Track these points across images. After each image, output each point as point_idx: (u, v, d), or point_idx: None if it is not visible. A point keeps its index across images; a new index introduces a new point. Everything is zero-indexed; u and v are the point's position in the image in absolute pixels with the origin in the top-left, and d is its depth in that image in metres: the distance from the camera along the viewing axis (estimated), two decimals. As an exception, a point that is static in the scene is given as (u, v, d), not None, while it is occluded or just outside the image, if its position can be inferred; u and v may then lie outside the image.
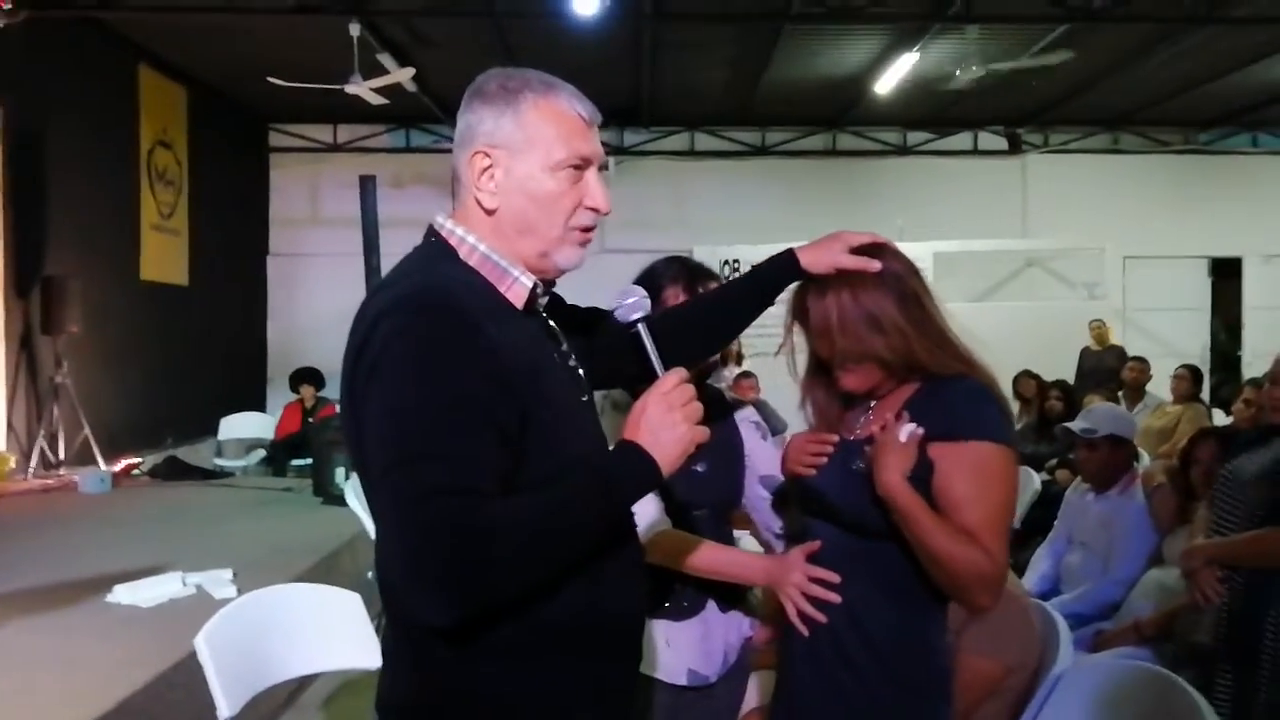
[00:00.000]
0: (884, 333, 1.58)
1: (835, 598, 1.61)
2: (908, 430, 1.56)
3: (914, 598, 1.58)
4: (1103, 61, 9.17)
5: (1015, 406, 7.82)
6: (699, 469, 1.86)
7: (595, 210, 1.40)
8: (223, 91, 10.15)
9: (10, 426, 6.89)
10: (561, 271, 1.42)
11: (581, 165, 1.38)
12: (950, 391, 1.59)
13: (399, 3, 7.66)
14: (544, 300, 1.43)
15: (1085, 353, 9.41)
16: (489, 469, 1.22)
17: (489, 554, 1.17)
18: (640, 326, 1.41)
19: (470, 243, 1.37)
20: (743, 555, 1.88)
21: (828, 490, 1.65)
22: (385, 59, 8.16)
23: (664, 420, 1.31)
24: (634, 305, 1.41)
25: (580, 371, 1.46)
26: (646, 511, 1.88)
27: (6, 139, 6.82)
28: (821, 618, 1.62)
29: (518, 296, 1.37)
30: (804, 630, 1.64)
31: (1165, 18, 7.91)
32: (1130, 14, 7.73)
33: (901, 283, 1.61)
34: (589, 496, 1.27)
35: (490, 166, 1.36)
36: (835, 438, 1.67)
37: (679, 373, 1.36)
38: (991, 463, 1.54)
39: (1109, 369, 8.71)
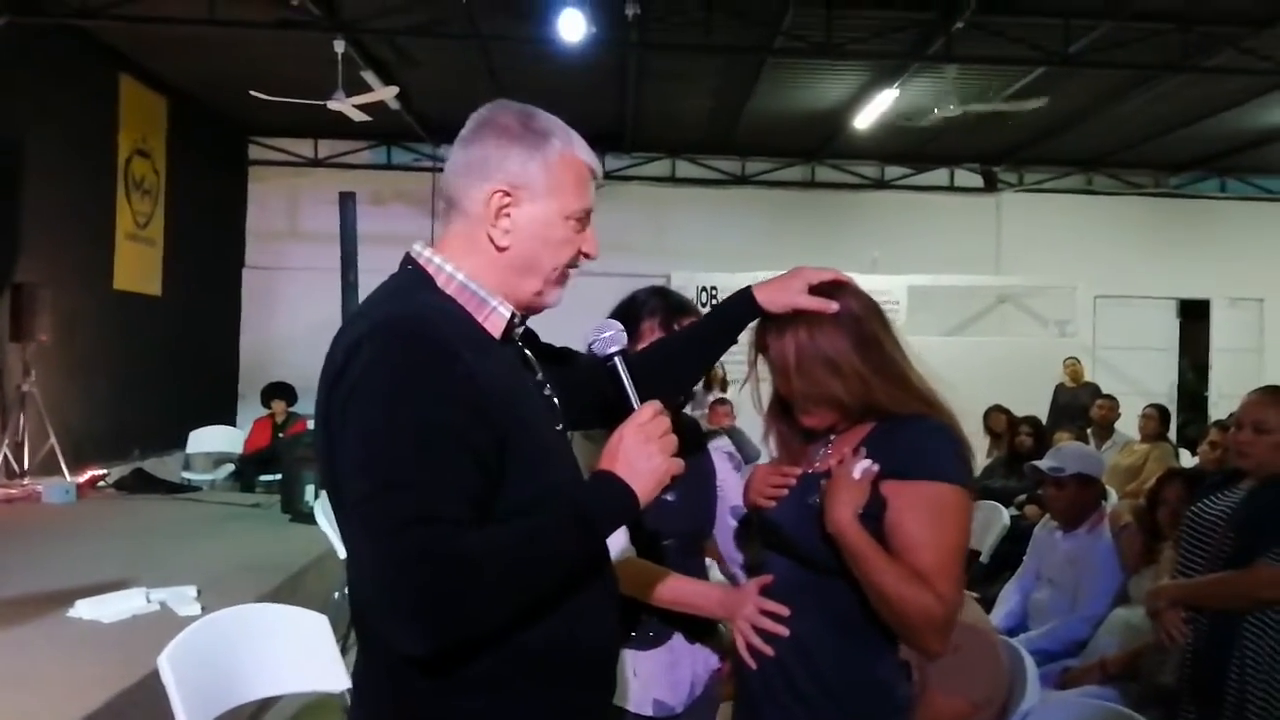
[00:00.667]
0: (841, 376, 1.58)
1: (784, 631, 1.60)
2: (862, 467, 1.56)
3: (865, 634, 1.57)
4: (1078, 104, 9.35)
5: (985, 441, 7.90)
6: (669, 498, 1.86)
7: (588, 256, 1.45)
8: (204, 102, 10.11)
9: (-26, 434, 6.78)
10: (545, 308, 1.45)
11: (585, 217, 1.43)
12: (908, 430, 1.58)
13: (384, 21, 7.67)
14: (520, 330, 1.45)
15: (1060, 389, 9.52)
16: (465, 497, 1.22)
17: (465, 584, 1.17)
18: (617, 360, 1.43)
19: (448, 271, 1.38)
20: (701, 586, 1.88)
21: (784, 523, 1.65)
22: (369, 76, 8.17)
23: (641, 451, 1.32)
24: (610, 339, 1.42)
25: (556, 401, 1.47)
26: (615, 541, 1.88)
27: (-18, 143, 6.75)
28: (769, 650, 1.62)
29: (495, 326, 1.38)
30: (751, 664, 1.64)
31: (1140, 65, 8.07)
32: (1105, 60, 7.88)
33: (860, 324, 1.61)
34: (566, 527, 1.27)
35: (508, 205, 1.37)
36: (797, 470, 1.68)
37: (655, 405, 1.37)
38: (945, 504, 1.53)
39: (1082, 406, 8.82)
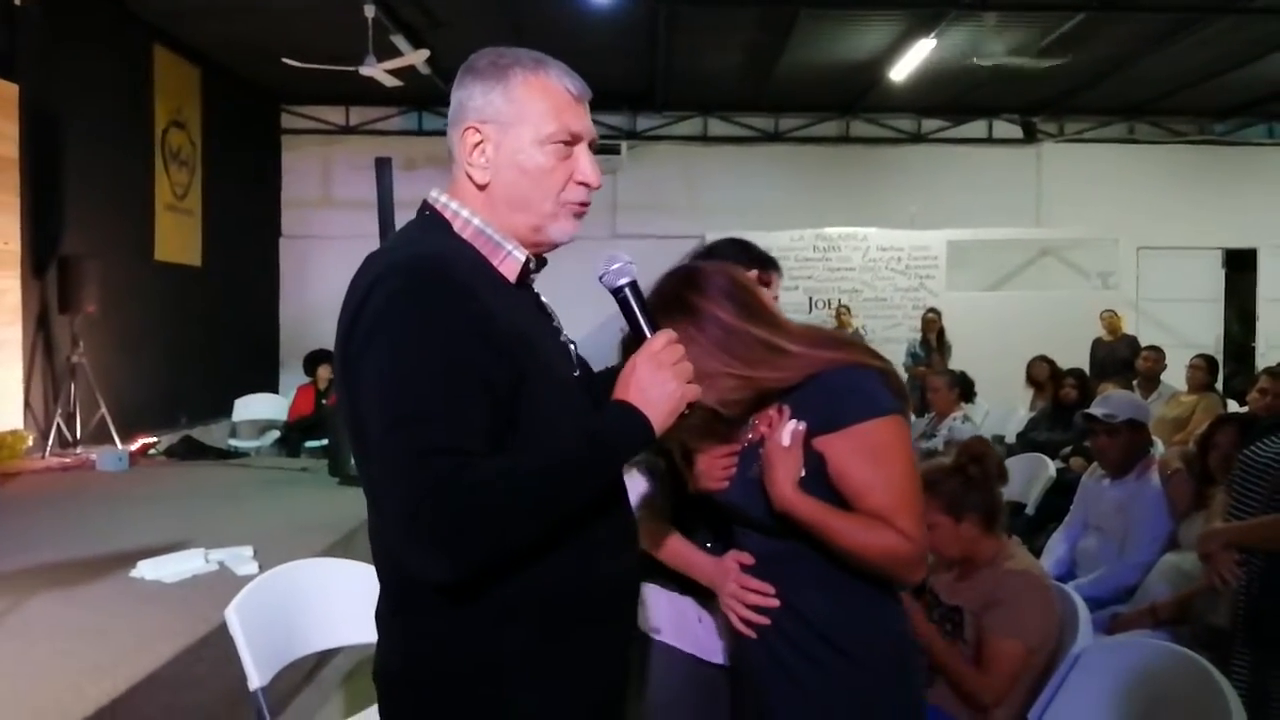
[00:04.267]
0: (717, 385, 1.53)
1: (773, 602, 1.61)
2: (789, 431, 1.55)
3: (849, 583, 1.57)
4: (1120, 50, 9.14)
5: (1029, 393, 7.85)
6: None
7: (586, 185, 1.41)
8: (236, 72, 10.16)
9: (28, 405, 6.93)
10: (555, 245, 1.44)
11: (571, 140, 1.39)
12: (826, 380, 1.56)
13: (414, -16, 7.66)
14: (535, 275, 1.45)
15: (1097, 343, 9.41)
16: (482, 430, 1.23)
17: (483, 509, 1.18)
18: (627, 290, 1.41)
19: (464, 216, 1.39)
20: (698, 555, 1.87)
21: (737, 501, 1.65)
22: (399, 41, 8.16)
23: (654, 379, 1.32)
24: (620, 270, 1.41)
25: (571, 348, 1.47)
26: (635, 485, 1.90)
27: (24, 118, 6.83)
28: (763, 620, 1.63)
29: (510, 270, 1.39)
30: (750, 634, 1.65)
31: (1184, 8, 7.86)
32: (1147, 4, 7.69)
33: (718, 321, 1.55)
34: (582, 453, 1.28)
35: (481, 142, 1.38)
36: (736, 447, 1.67)
37: (668, 333, 1.37)
38: (879, 439, 1.53)
39: (1121, 359, 8.71)
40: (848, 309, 10.47)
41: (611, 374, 1.44)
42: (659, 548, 1.89)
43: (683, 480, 1.79)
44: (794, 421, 1.55)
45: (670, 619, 2.00)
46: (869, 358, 1.60)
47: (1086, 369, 8.29)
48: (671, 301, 1.57)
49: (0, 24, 6.62)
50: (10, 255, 6.73)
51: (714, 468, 1.68)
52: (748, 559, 1.67)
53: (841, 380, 1.56)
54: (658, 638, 2.01)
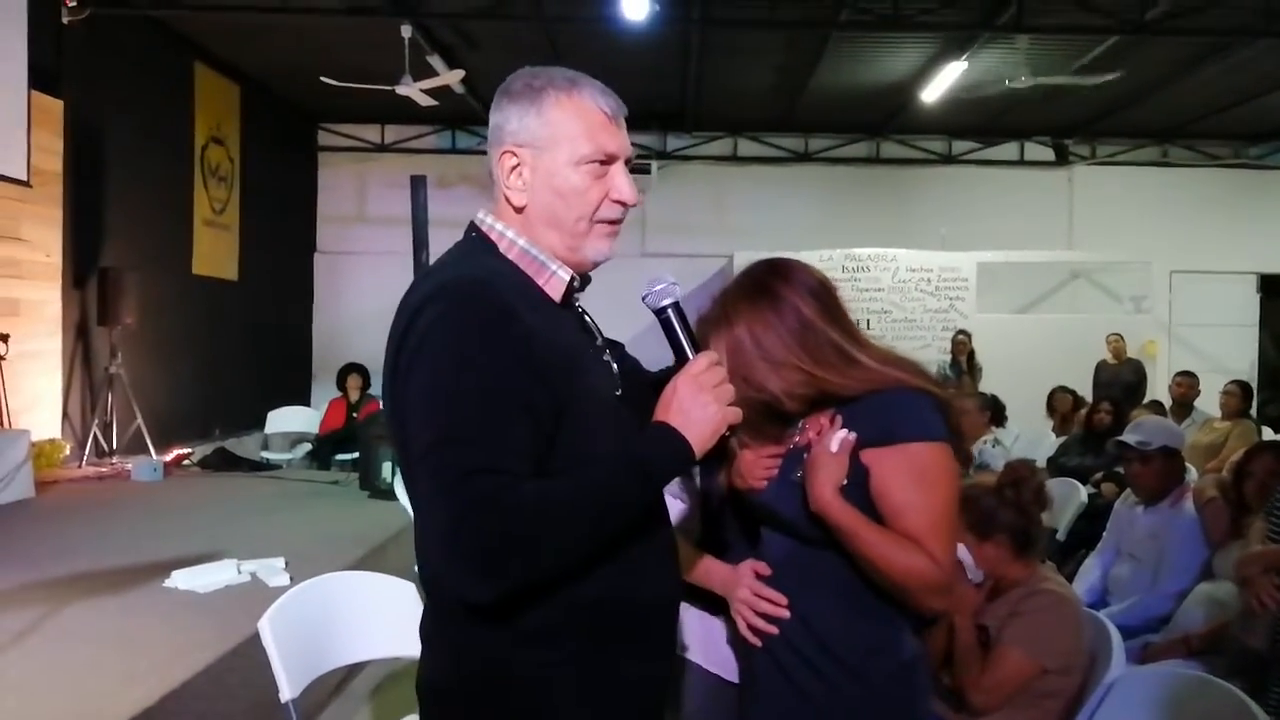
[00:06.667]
0: (781, 373, 1.57)
1: (784, 613, 1.61)
2: (839, 438, 1.55)
3: (867, 600, 1.57)
4: (1153, 74, 9.09)
5: (1050, 423, 7.79)
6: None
7: (621, 203, 1.42)
8: (275, 90, 10.34)
9: (66, 415, 7.05)
10: (592, 264, 1.45)
11: (606, 160, 1.40)
12: (885, 396, 1.57)
13: (450, 5, 7.76)
14: (580, 294, 1.47)
15: (1101, 366, 9.35)
16: (523, 452, 1.25)
17: (525, 530, 1.20)
18: (670, 311, 1.42)
19: (510, 237, 1.41)
20: (709, 562, 1.86)
21: (773, 502, 1.66)
22: (435, 60, 8.27)
23: (695, 401, 1.33)
24: (664, 291, 1.42)
25: (615, 368, 1.47)
26: (674, 505, 1.90)
27: (69, 134, 6.98)
28: (771, 629, 1.63)
29: (555, 290, 1.41)
30: (756, 641, 1.65)
31: (1218, 31, 7.81)
32: (1182, 27, 7.64)
33: (800, 314, 1.59)
34: (622, 474, 1.29)
35: (518, 165, 1.39)
36: (781, 449, 1.67)
37: (710, 355, 1.38)
38: (925, 463, 1.53)
39: (1125, 383, 8.64)
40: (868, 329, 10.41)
41: (665, 375, 1.45)
42: (684, 569, 1.90)
43: (713, 499, 1.80)
44: (845, 430, 1.56)
45: (699, 638, 2.01)
46: (934, 386, 1.61)
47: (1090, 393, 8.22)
48: (758, 286, 1.60)
49: (47, 43, 6.78)
50: (52, 267, 6.87)
51: (756, 466, 1.68)
52: (764, 568, 1.68)
53: (900, 399, 1.57)
54: (685, 655, 2.01)
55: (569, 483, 1.27)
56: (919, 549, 1.50)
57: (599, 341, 1.49)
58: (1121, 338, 9.47)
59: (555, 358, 1.31)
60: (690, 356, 1.39)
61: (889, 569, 1.51)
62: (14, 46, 6.35)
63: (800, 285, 1.61)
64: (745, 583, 1.68)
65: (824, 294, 1.62)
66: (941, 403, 1.59)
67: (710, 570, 1.85)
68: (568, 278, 1.41)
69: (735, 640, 1.77)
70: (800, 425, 1.66)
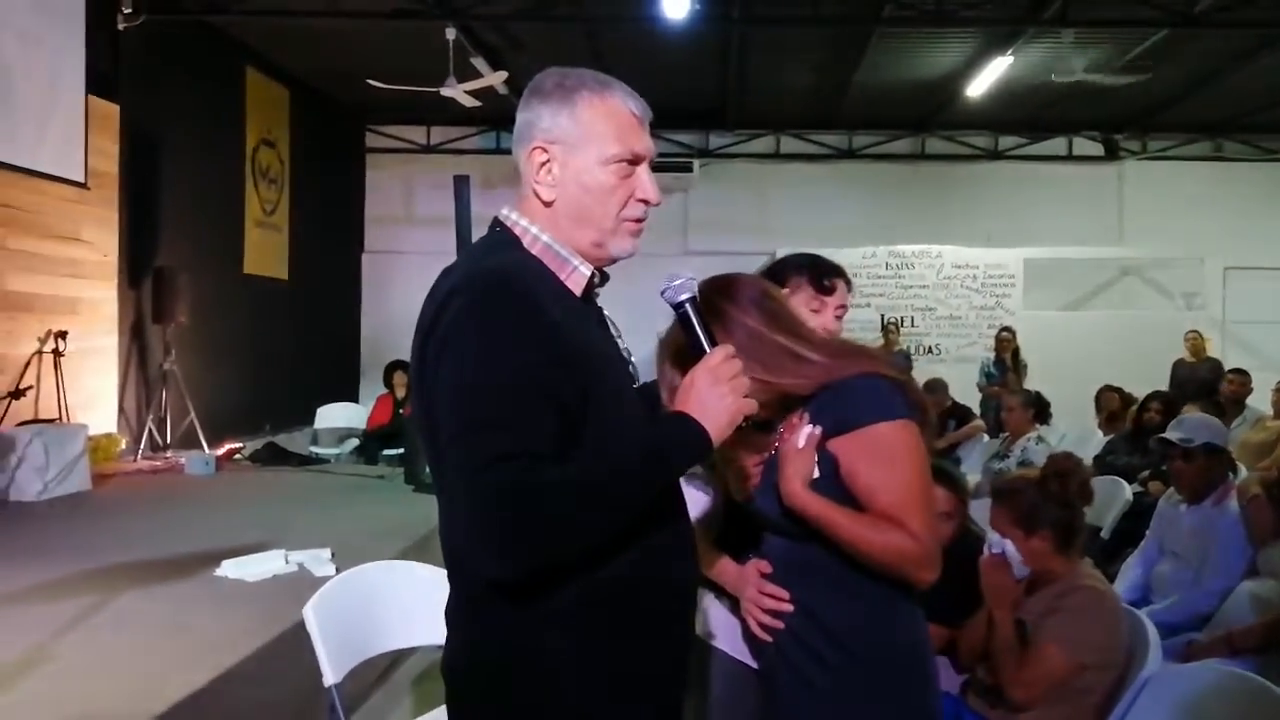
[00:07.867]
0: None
1: (787, 608, 1.66)
2: (805, 433, 1.61)
3: (866, 589, 1.61)
4: (1204, 67, 8.92)
5: (1096, 420, 7.67)
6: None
7: (646, 203, 1.47)
8: (323, 93, 10.52)
9: (121, 410, 7.25)
10: (615, 260, 1.50)
11: (634, 160, 1.44)
12: (841, 387, 1.62)
13: (493, 7, 7.84)
14: (600, 289, 1.51)
15: (1179, 364, 9.16)
16: (549, 438, 1.28)
17: (545, 512, 1.24)
18: (688, 306, 1.46)
19: (534, 233, 1.45)
20: (725, 562, 1.91)
21: (763, 506, 1.71)
22: (479, 62, 8.36)
23: (712, 392, 1.37)
24: (681, 286, 1.46)
25: (633, 363, 1.53)
26: (699, 499, 1.94)
27: (124, 137, 7.18)
28: (778, 625, 1.68)
29: (576, 284, 1.45)
30: (766, 637, 1.70)
31: (1270, 23, 7.64)
32: (1233, 19, 7.49)
33: (745, 326, 1.61)
34: (642, 462, 1.33)
35: (548, 161, 1.43)
36: (763, 455, 1.72)
37: (726, 349, 1.42)
38: (889, 441, 1.58)
39: (1202, 381, 8.46)
40: (896, 327, 10.36)
41: (650, 388, 1.51)
42: (704, 566, 1.94)
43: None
44: (810, 426, 1.61)
45: (726, 626, 2.05)
46: (886, 369, 1.66)
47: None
48: (705, 306, 1.63)
49: (104, 48, 6.98)
50: (109, 267, 7.08)
51: (744, 478, 1.74)
52: (766, 567, 1.73)
53: (854, 386, 1.62)
54: (714, 643, 2.05)
55: (590, 468, 1.31)
56: (895, 526, 1.55)
57: (616, 336, 1.53)
58: (1200, 335, 9.30)
59: (579, 350, 1.35)
60: (708, 350, 1.43)
61: (869, 550, 1.56)
62: (73, 54, 6.55)
63: (744, 299, 1.65)
64: (752, 581, 1.74)
65: (767, 302, 1.67)
66: (895, 382, 1.64)
67: (724, 569, 1.91)
68: (589, 273, 1.46)
69: (750, 638, 1.81)
70: (778, 431, 1.71)
